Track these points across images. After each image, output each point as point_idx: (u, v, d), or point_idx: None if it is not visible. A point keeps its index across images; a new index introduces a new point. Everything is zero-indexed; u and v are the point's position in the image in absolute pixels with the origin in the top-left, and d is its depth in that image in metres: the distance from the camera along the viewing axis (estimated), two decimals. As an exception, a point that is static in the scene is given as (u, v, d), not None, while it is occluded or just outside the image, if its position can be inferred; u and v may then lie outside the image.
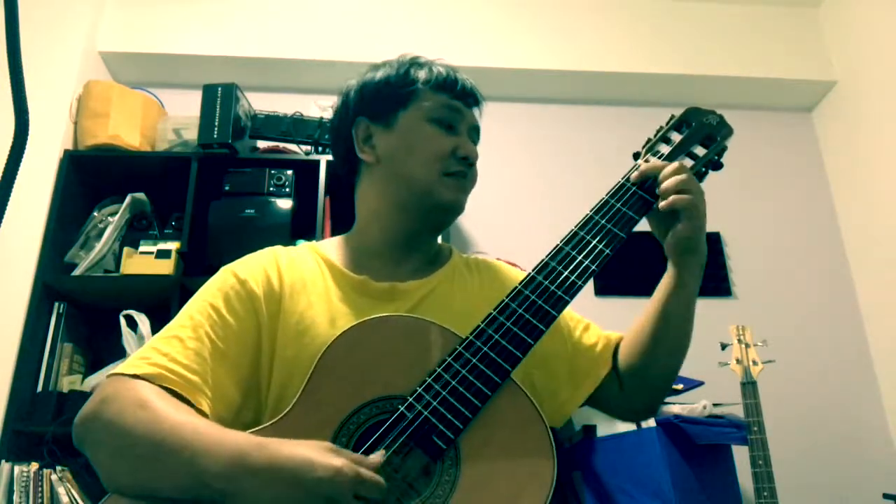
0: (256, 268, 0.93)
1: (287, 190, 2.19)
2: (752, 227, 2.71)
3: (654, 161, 0.92)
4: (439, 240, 1.10)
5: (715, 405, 1.86)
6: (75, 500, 1.82)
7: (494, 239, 2.45)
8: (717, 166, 0.97)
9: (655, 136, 0.98)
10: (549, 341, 0.96)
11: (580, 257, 0.84)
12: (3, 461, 1.86)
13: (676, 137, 0.97)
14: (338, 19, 2.70)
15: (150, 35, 2.60)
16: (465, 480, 0.72)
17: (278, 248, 0.99)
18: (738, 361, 1.90)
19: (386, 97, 0.98)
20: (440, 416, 0.73)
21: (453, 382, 0.75)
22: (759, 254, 2.67)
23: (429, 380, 0.76)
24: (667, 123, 0.99)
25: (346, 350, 0.79)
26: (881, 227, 2.55)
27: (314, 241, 1.05)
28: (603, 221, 0.87)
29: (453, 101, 0.98)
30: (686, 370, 2.10)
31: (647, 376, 0.97)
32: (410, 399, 0.75)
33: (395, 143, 0.97)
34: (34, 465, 1.84)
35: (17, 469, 1.84)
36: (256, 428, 0.77)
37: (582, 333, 1.01)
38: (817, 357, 2.51)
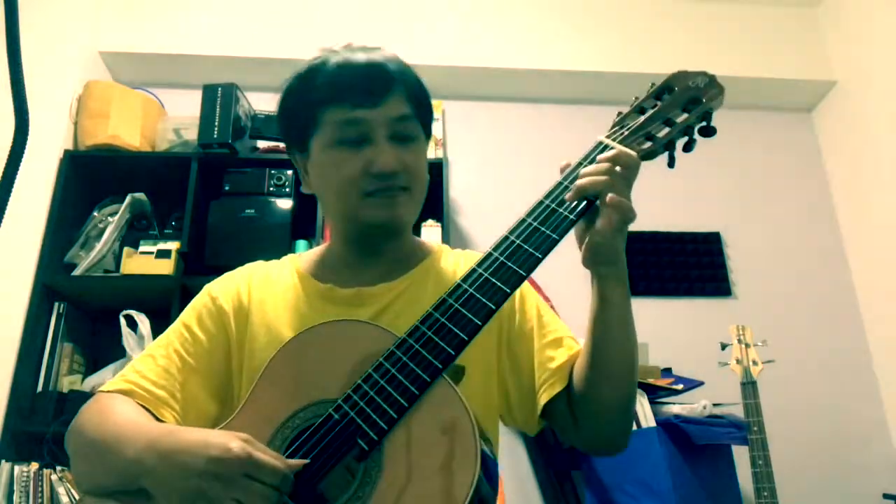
0: (229, 285, 0.98)
1: (287, 190, 2.20)
2: (752, 227, 2.71)
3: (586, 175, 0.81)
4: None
5: (715, 405, 1.86)
6: (75, 500, 1.82)
7: (494, 239, 2.45)
8: (708, 131, 0.84)
9: (631, 107, 0.87)
10: (520, 350, 0.95)
11: (526, 245, 0.79)
12: (3, 461, 1.86)
13: (655, 106, 0.85)
14: (338, 19, 2.69)
15: (150, 35, 2.60)
16: (385, 483, 0.70)
17: (258, 263, 1.03)
18: (738, 361, 1.89)
19: (294, 127, 0.94)
20: (365, 416, 0.72)
21: (381, 382, 0.73)
22: (759, 254, 2.67)
23: (359, 381, 0.74)
24: (647, 92, 0.87)
25: (288, 358, 0.81)
26: (881, 227, 2.55)
27: (298, 253, 1.07)
28: (536, 224, 0.81)
29: (354, 111, 0.87)
30: (686, 370, 2.11)
31: (591, 405, 0.88)
32: (339, 401, 0.74)
33: (315, 175, 0.93)
34: (34, 465, 1.84)
35: (17, 469, 1.84)
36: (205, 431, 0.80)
37: (549, 345, 0.95)
38: (817, 357, 2.51)
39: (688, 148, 0.86)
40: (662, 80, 0.87)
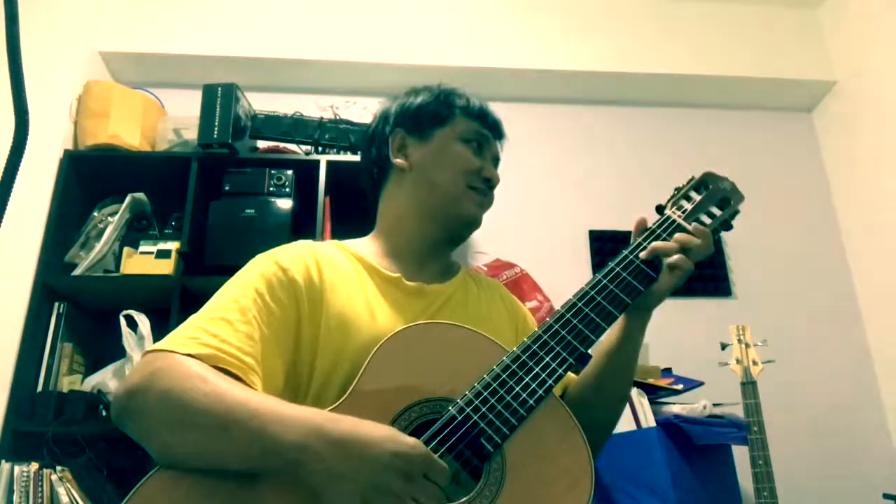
0: (297, 258, 0.95)
1: (287, 190, 2.19)
2: (752, 227, 2.71)
3: (663, 243, 0.97)
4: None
5: (715, 405, 1.86)
6: (75, 500, 1.82)
7: (494, 239, 2.45)
8: (728, 227, 1.06)
9: (678, 193, 1.08)
10: None
11: (617, 290, 0.93)
12: (3, 461, 1.86)
13: (696, 196, 1.07)
14: (338, 19, 2.69)
15: (150, 35, 2.60)
16: (512, 485, 0.76)
17: (310, 242, 1.03)
18: (738, 361, 1.89)
19: (425, 115, 1.09)
20: (489, 421, 0.78)
21: (501, 391, 0.81)
22: (759, 254, 2.67)
23: (478, 386, 0.81)
24: (686, 183, 1.09)
25: (398, 350, 0.84)
26: (881, 227, 2.55)
27: (338, 241, 1.09)
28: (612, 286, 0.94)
29: (483, 129, 1.09)
30: (686, 370, 2.11)
31: (585, 425, 0.97)
32: (461, 402, 0.80)
33: (429, 154, 1.07)
34: (34, 465, 1.84)
35: (17, 469, 1.83)
36: None
37: None
38: (817, 357, 2.51)
39: (714, 237, 1.04)
40: (700, 175, 1.09)
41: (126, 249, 2.16)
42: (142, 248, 2.17)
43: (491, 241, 2.43)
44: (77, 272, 2.12)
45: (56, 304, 2.10)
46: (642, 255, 0.96)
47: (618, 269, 0.95)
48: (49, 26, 2.31)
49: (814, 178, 2.85)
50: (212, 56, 2.60)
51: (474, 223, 1.07)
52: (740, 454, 1.85)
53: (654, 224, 1.02)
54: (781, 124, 2.92)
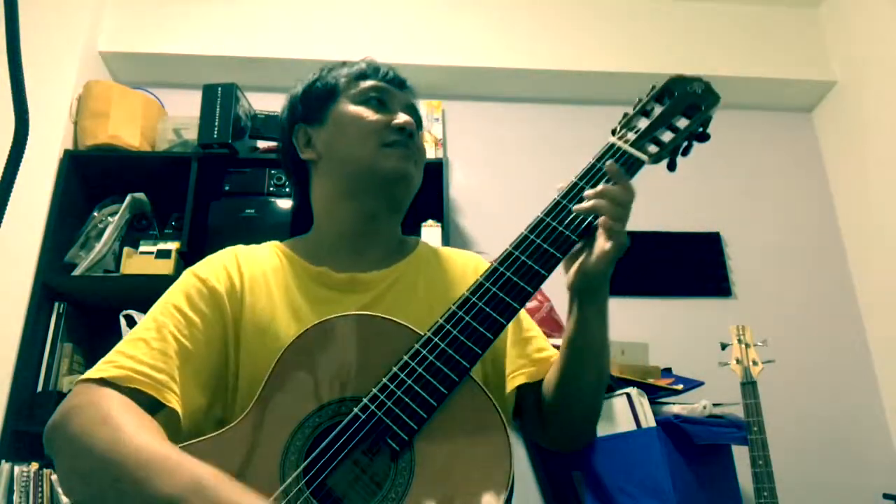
0: (217, 266, 0.94)
1: (287, 190, 2.19)
2: (752, 227, 2.71)
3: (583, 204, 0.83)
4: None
5: (715, 405, 1.86)
6: (75, 500, 1.82)
7: (494, 239, 2.45)
8: (704, 138, 0.88)
9: (634, 109, 0.89)
10: (498, 343, 0.93)
11: (545, 245, 0.80)
12: (3, 461, 1.86)
13: (657, 110, 0.87)
14: (338, 20, 2.69)
15: (150, 35, 2.60)
16: (418, 483, 0.68)
17: (239, 246, 1.00)
18: (738, 361, 1.89)
19: (314, 98, 1.01)
20: (394, 416, 0.70)
21: (409, 381, 0.72)
22: (759, 254, 2.67)
23: (384, 380, 0.73)
24: (647, 94, 0.89)
25: (302, 353, 0.78)
26: (881, 227, 2.55)
27: (278, 241, 1.05)
28: (555, 224, 0.82)
29: (378, 82, 0.99)
30: (686, 370, 2.11)
31: (560, 416, 0.93)
32: (365, 400, 0.72)
33: (331, 133, 0.98)
34: (34, 465, 1.84)
35: (17, 469, 1.83)
36: (217, 432, 0.76)
37: (526, 336, 0.99)
38: (817, 357, 2.51)
39: (686, 152, 0.90)
40: (662, 82, 0.89)
41: (126, 249, 2.16)
42: (142, 248, 2.17)
43: (491, 240, 2.43)
44: (77, 272, 2.12)
45: (56, 304, 2.10)
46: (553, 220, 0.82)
47: (531, 236, 0.81)
48: (49, 26, 2.31)
49: (814, 178, 2.85)
50: (212, 56, 2.60)
51: (404, 178, 0.95)
52: (740, 454, 1.85)
53: (593, 158, 0.85)
54: (781, 124, 2.92)
